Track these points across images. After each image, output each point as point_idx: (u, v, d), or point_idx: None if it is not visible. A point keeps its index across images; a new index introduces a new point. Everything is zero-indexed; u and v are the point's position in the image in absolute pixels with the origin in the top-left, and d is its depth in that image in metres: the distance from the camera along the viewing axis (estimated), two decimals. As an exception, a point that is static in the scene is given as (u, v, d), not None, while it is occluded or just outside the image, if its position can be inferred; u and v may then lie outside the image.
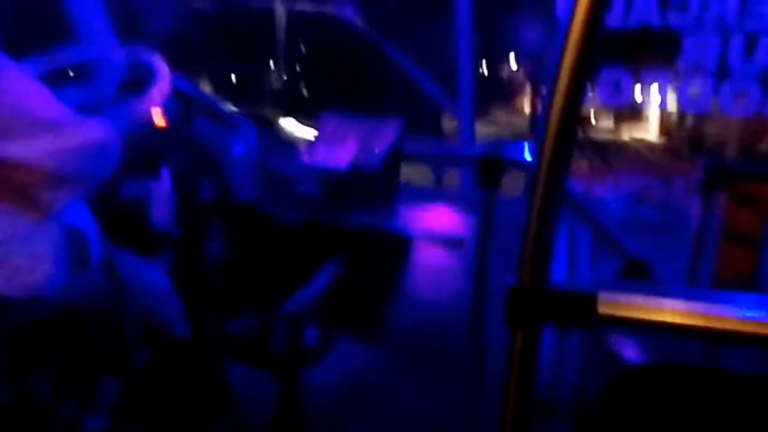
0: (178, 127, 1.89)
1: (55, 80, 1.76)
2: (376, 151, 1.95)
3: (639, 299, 0.78)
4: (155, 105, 1.72)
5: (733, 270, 1.56)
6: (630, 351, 1.64)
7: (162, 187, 1.88)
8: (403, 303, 2.02)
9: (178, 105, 1.85)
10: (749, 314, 0.73)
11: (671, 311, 0.76)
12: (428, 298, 2.24)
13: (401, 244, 2.07)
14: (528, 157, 1.57)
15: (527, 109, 11.07)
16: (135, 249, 1.64)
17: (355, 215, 1.97)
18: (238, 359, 1.85)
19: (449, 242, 2.31)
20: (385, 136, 2.01)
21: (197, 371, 1.72)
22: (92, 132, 1.29)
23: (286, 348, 2.05)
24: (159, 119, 1.79)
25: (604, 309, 0.77)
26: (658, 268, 1.78)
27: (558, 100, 0.76)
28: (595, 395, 0.85)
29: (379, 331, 1.98)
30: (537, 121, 0.80)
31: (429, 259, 2.28)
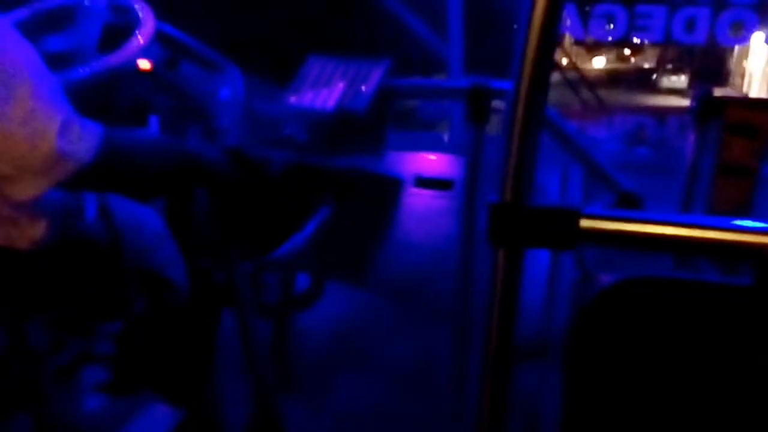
0: (164, 71, 1.85)
1: (35, 28, 1.72)
2: (363, 90, 1.91)
3: (621, 214, 0.76)
4: (139, 49, 1.68)
5: (727, 202, 1.54)
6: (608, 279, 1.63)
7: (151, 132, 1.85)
8: (392, 247, 2.01)
9: (162, 48, 1.80)
10: (733, 224, 0.72)
11: (654, 223, 0.75)
12: (418, 242, 2.23)
13: (391, 187, 2.05)
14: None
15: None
16: (128, 194, 1.61)
17: (344, 158, 1.95)
18: (229, 306, 1.84)
19: (439, 184, 2.29)
20: (372, 76, 1.97)
21: (192, 317, 1.72)
22: (75, 119, 1.17)
23: (277, 294, 2.05)
24: (143, 63, 1.75)
25: (586, 224, 0.76)
26: (651, 204, 1.76)
27: (537, 15, 0.73)
28: (572, 320, 0.84)
29: (369, 276, 1.97)
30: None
31: (419, 201, 2.26)
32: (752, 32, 4.28)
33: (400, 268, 2.14)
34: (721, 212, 1.62)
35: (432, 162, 2.31)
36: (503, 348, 0.84)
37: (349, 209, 1.96)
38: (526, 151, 0.76)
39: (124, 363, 1.64)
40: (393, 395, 1.98)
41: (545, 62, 0.75)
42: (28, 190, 1.15)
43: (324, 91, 1.97)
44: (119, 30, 1.72)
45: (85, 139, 1.16)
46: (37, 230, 1.30)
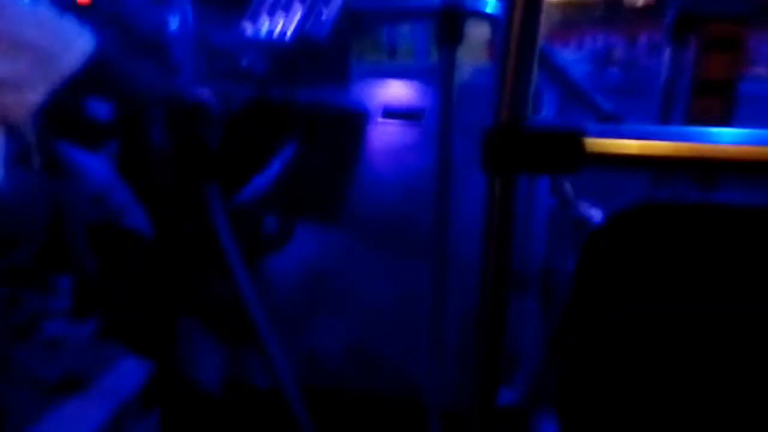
0: (104, 3, 1.71)
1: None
2: (324, 17, 1.79)
3: (628, 133, 0.70)
4: None
5: (706, 120, 1.50)
6: (598, 215, 1.61)
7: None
8: (363, 183, 1.95)
9: None
10: (738, 138, 0.67)
11: (663, 143, 0.69)
12: (389, 177, 2.16)
13: (357, 121, 1.96)
14: (491, 9, 1.44)
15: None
16: (76, 141, 1.51)
17: (306, 90, 1.84)
18: (202, 252, 1.77)
19: (408, 115, 2.21)
20: (333, 1, 1.84)
21: (156, 263, 1.64)
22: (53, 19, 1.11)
23: (245, 238, 1.97)
24: (78, -6, 1.62)
25: (591, 146, 0.69)
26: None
27: None
28: (576, 253, 0.78)
29: (340, 215, 1.91)
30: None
31: (387, 134, 2.18)
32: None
33: (371, 205, 2.08)
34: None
35: (400, 91, 2.22)
36: (500, 278, 0.79)
37: (315, 146, 1.87)
38: (522, 70, 0.69)
39: (84, 315, 1.58)
40: (370, 335, 1.96)
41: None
42: (19, 105, 1.08)
43: (282, 18, 1.84)
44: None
45: (73, 41, 1.11)
46: None
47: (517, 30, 0.68)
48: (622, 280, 0.74)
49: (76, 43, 1.12)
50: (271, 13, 1.89)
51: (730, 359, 0.74)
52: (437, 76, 1.58)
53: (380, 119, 2.21)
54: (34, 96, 1.09)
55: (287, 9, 1.88)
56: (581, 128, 0.70)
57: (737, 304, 0.72)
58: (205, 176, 1.69)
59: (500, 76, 0.70)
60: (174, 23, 1.86)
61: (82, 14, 1.67)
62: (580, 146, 0.69)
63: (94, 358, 1.58)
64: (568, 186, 1.60)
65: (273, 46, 1.81)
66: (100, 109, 1.65)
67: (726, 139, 0.68)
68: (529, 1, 0.67)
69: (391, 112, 2.20)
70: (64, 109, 1.57)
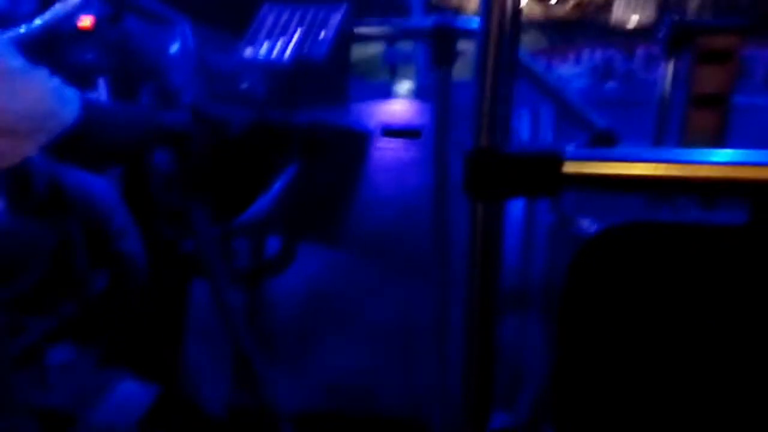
0: (107, 28, 1.74)
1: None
2: (322, 37, 1.81)
3: (606, 155, 0.71)
4: (77, 4, 1.58)
5: (700, 133, 1.50)
6: (593, 228, 1.60)
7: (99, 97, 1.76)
8: (363, 202, 1.95)
9: (103, 3, 1.70)
10: (717, 159, 0.68)
11: (640, 164, 0.70)
12: (389, 195, 2.17)
13: (358, 141, 1.97)
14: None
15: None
16: (79, 164, 1.53)
17: (306, 111, 1.86)
18: (198, 275, 1.78)
19: (407, 133, 2.22)
20: (331, 22, 1.86)
21: (156, 289, 1.65)
22: (44, 83, 1.15)
23: (248, 260, 1.98)
24: (84, 21, 1.65)
25: (569, 168, 0.70)
26: (626, 141, 1.72)
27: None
28: (564, 269, 0.79)
29: (342, 234, 1.91)
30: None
31: (387, 153, 2.20)
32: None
33: (372, 224, 2.09)
34: (695, 143, 1.59)
35: (398, 110, 2.23)
36: (486, 302, 0.79)
37: (316, 166, 1.88)
38: (500, 92, 0.70)
39: (91, 340, 1.59)
40: (373, 354, 1.96)
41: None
42: (11, 156, 1.14)
43: (281, 40, 1.87)
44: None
45: (68, 100, 1.16)
46: None
47: (493, 51, 0.68)
48: (609, 294, 0.75)
49: (67, 105, 1.16)
50: (270, 36, 1.91)
51: (722, 374, 0.75)
52: (433, 95, 1.59)
53: (380, 138, 2.22)
54: (28, 146, 1.14)
55: (285, 31, 1.90)
56: (560, 151, 0.70)
57: (725, 320, 0.72)
58: (191, 199, 1.71)
59: (478, 99, 0.70)
60: (174, 47, 1.89)
61: (84, 39, 1.71)
62: (559, 169, 0.69)
63: (97, 383, 1.59)
64: (567, 203, 1.60)
65: (272, 68, 1.83)
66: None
67: (704, 160, 0.69)
68: (505, 19, 0.68)
69: (390, 131, 2.21)
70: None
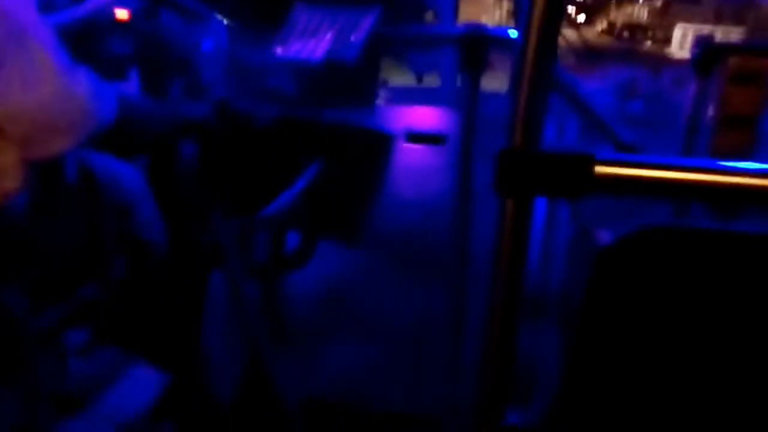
0: (142, 22, 1.77)
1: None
2: (353, 40, 1.83)
3: (638, 159, 0.71)
4: None
5: (728, 152, 1.50)
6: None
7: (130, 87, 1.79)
8: (384, 204, 1.97)
9: None
10: (752, 168, 0.68)
11: (672, 170, 0.70)
12: (411, 198, 2.17)
13: (382, 143, 1.99)
14: (513, 34, 1.46)
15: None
16: (111, 151, 1.56)
17: (333, 111, 1.88)
18: (218, 267, 1.80)
19: (431, 139, 2.23)
20: (362, 25, 1.88)
21: (175, 279, 1.67)
22: (85, 83, 1.18)
23: (267, 254, 2.00)
24: (121, 13, 1.68)
25: (601, 170, 0.71)
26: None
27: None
28: (582, 278, 0.79)
29: (361, 234, 1.93)
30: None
31: (411, 157, 2.21)
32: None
33: (392, 226, 2.10)
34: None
35: (423, 116, 2.24)
36: (510, 304, 0.80)
37: (340, 165, 1.90)
38: (537, 94, 0.71)
39: (107, 326, 1.60)
40: (388, 354, 1.96)
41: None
42: (53, 147, 1.19)
43: (312, 41, 1.89)
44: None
45: (105, 98, 1.21)
46: (9, 183, 1.25)
47: (532, 55, 0.69)
48: (629, 302, 0.75)
49: (104, 104, 1.22)
50: (302, 36, 1.94)
51: (745, 386, 0.74)
52: (460, 101, 1.60)
53: (404, 143, 2.24)
54: (65, 142, 1.19)
55: (317, 32, 1.92)
56: (592, 154, 0.71)
57: (749, 331, 0.72)
58: (211, 191, 1.73)
59: (515, 100, 0.71)
60: (207, 44, 1.92)
61: (120, 31, 1.74)
62: (591, 171, 0.70)
63: (111, 369, 1.60)
64: (587, 213, 1.60)
65: (302, 68, 1.85)
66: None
67: (734, 170, 0.69)
68: (545, 26, 0.69)
69: (414, 136, 2.23)
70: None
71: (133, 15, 1.75)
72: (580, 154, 0.71)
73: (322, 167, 1.89)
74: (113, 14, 1.71)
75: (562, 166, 0.71)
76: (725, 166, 0.70)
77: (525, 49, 0.71)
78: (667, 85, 4.20)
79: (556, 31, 0.72)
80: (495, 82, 1.69)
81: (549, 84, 0.73)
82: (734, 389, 0.76)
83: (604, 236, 1.61)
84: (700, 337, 0.73)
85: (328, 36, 1.89)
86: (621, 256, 0.76)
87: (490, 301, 0.80)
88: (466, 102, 1.54)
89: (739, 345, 0.73)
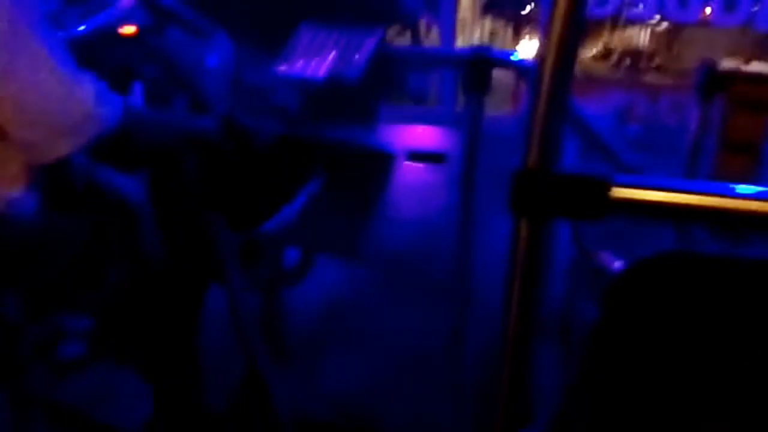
0: (149, 37, 1.78)
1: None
2: (357, 59, 1.84)
3: (655, 183, 0.71)
4: (122, 12, 1.62)
5: (731, 179, 1.50)
6: (620, 266, 1.60)
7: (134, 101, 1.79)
8: (385, 221, 1.97)
9: (147, 13, 1.74)
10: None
11: (689, 194, 0.70)
12: (411, 216, 2.18)
13: (383, 161, 1.99)
14: (517, 57, 1.48)
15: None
16: (115, 160, 1.56)
17: (336, 129, 1.89)
18: (216, 281, 1.79)
19: (432, 158, 2.23)
20: (365, 45, 1.90)
21: (171, 292, 1.66)
22: (91, 88, 1.20)
23: (267, 269, 1.99)
24: (127, 28, 1.69)
25: (618, 194, 0.71)
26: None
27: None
28: (598, 302, 0.78)
29: (361, 251, 1.92)
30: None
31: (412, 176, 2.21)
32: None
33: (392, 244, 2.09)
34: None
35: (424, 135, 2.25)
36: (525, 326, 0.79)
37: (341, 183, 1.90)
38: (554, 113, 0.71)
39: (102, 338, 1.59)
40: (387, 372, 1.95)
41: (577, 18, 0.69)
42: (56, 151, 1.19)
43: (316, 59, 1.90)
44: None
45: (110, 103, 1.21)
46: (14, 189, 1.25)
47: (549, 76, 0.70)
48: (642, 330, 0.75)
49: (109, 109, 1.21)
50: (306, 54, 1.95)
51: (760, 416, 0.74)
52: (463, 123, 1.61)
53: (405, 162, 2.24)
54: (68, 144, 1.19)
55: (321, 51, 1.94)
56: (608, 176, 0.71)
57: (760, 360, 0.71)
58: (212, 206, 1.73)
59: (531, 122, 0.71)
60: (213, 59, 1.92)
61: (126, 45, 1.74)
62: (607, 194, 0.70)
63: (106, 380, 1.59)
64: (588, 236, 1.61)
65: (305, 86, 1.86)
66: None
67: (751, 195, 0.69)
68: (563, 48, 0.70)
69: (415, 155, 2.23)
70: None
71: (140, 31, 1.75)
72: (597, 177, 0.71)
73: (323, 184, 1.89)
74: (118, 29, 1.71)
75: (578, 188, 0.71)
76: (743, 191, 0.70)
77: (543, 70, 0.71)
78: (663, 109, 4.23)
79: (574, 53, 0.72)
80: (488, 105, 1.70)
81: (566, 105, 0.73)
82: (752, 420, 0.75)
83: (608, 259, 1.60)
84: (714, 364, 0.73)
85: (332, 55, 1.91)
86: (635, 282, 0.75)
87: (504, 323, 0.79)
88: (471, 123, 1.55)
89: (757, 373, 0.72)
